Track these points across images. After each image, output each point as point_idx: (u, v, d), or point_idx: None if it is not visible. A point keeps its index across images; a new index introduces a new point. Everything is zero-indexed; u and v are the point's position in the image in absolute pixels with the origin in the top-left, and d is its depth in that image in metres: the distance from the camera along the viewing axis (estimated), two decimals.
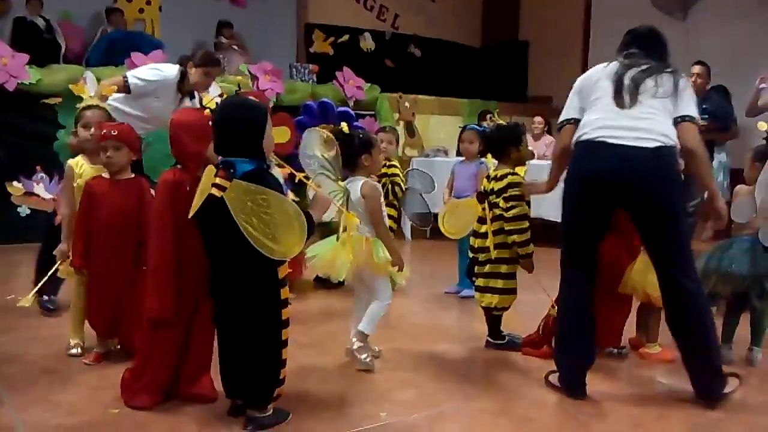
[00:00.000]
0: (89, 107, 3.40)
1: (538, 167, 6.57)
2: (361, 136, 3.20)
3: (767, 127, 3.46)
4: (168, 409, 2.58)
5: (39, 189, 6.01)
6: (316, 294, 4.54)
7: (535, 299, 3.43)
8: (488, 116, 7.36)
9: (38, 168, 6.01)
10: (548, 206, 6.24)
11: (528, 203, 3.33)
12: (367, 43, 9.68)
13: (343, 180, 3.19)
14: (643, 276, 3.19)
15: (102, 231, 3.00)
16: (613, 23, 9.08)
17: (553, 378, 2.91)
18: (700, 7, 8.30)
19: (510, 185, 3.27)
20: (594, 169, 2.73)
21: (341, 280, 3.18)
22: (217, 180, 2.23)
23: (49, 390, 2.75)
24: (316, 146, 3.26)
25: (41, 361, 3.07)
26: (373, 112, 7.98)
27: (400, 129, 7.77)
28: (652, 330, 3.36)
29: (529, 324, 3.45)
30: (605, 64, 2.94)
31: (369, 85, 8.01)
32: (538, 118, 7.63)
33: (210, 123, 2.41)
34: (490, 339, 3.45)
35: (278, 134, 3.33)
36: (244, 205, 2.21)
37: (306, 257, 3.06)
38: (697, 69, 5.96)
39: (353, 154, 3.12)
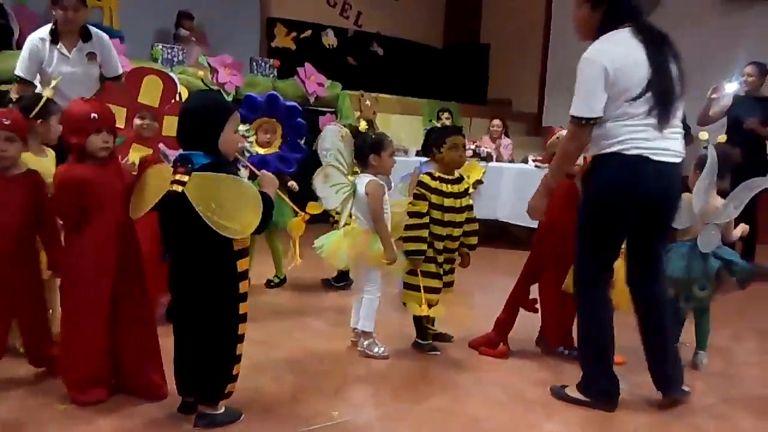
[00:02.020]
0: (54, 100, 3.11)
1: (496, 169, 6.68)
2: (372, 136, 3.44)
3: (708, 136, 3.56)
4: (116, 406, 2.54)
5: None
6: (268, 291, 4.51)
7: (490, 299, 3.46)
8: (443, 114, 7.42)
9: None
10: (506, 208, 6.35)
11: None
12: (330, 39, 9.64)
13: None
14: None
15: None
16: (572, 28, 9.23)
17: (572, 391, 2.86)
18: (659, 14, 8.44)
19: (418, 182, 3.35)
20: (652, 187, 2.65)
21: (343, 283, 3.52)
22: (177, 176, 2.27)
23: None
24: (334, 140, 3.42)
25: None
26: (334, 110, 7.95)
27: (361, 127, 7.77)
28: None
29: (485, 324, 3.49)
30: (628, 32, 2.63)
31: (330, 82, 7.98)
32: (496, 121, 7.71)
33: (93, 114, 2.50)
34: (416, 339, 3.47)
35: (171, 125, 2.94)
36: (203, 193, 2.24)
37: (313, 246, 3.35)
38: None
39: (363, 152, 3.33)
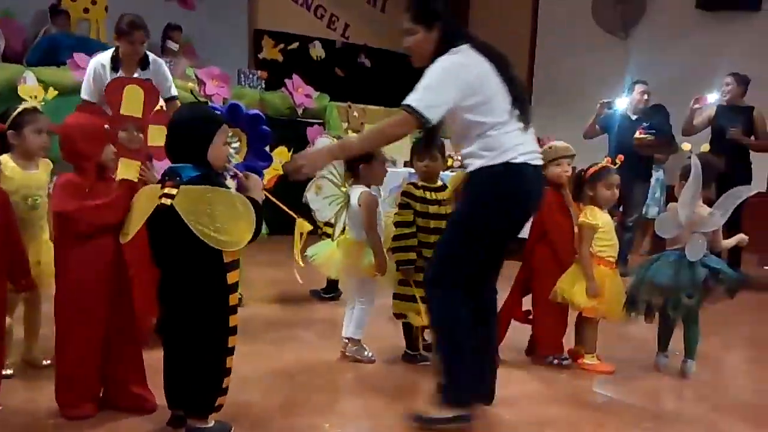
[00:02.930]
0: (35, 110, 2.97)
1: None
2: None
3: (690, 147, 3.61)
4: (104, 420, 2.51)
5: None
6: (258, 304, 4.49)
7: None
8: None
9: None
10: None
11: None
12: (317, 51, 9.67)
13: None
14: (570, 285, 3.31)
15: None
16: (558, 41, 9.36)
17: (436, 411, 2.61)
18: (641, 27, 8.58)
19: (402, 192, 3.35)
20: (536, 192, 2.71)
21: (331, 295, 3.60)
22: (166, 190, 2.27)
23: None
24: None
25: None
26: (321, 121, 7.96)
27: None
28: (590, 341, 3.44)
29: None
30: (468, 47, 2.59)
31: (318, 93, 7.99)
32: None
33: (106, 126, 2.58)
34: (405, 350, 3.45)
35: (156, 134, 2.89)
36: (192, 206, 2.24)
37: (305, 255, 3.39)
38: (642, 88, 6.18)
39: (352, 162, 3.31)
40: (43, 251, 2.84)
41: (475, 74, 2.53)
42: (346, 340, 3.38)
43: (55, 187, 2.58)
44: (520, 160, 2.54)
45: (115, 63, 4.13)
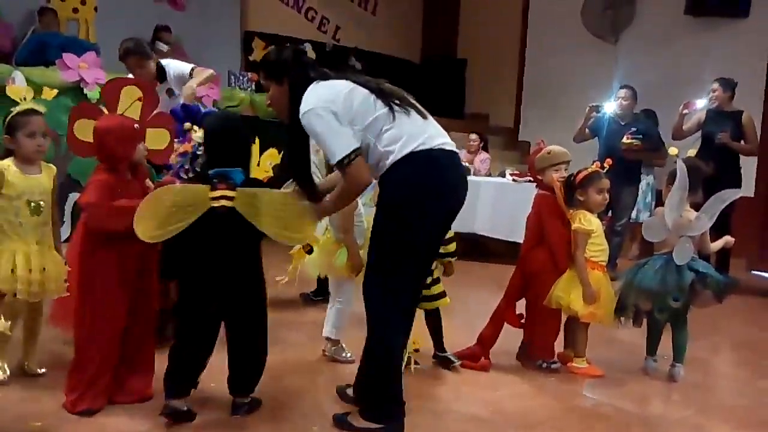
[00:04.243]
0: (32, 112, 2.81)
1: (473, 183, 6.69)
2: None
3: (677, 152, 3.63)
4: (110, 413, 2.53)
5: None
6: None
7: (468, 311, 3.46)
8: None
9: None
10: (484, 222, 6.38)
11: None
12: (308, 53, 9.65)
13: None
14: (566, 292, 3.31)
15: None
16: (548, 45, 9.39)
17: (357, 420, 2.58)
18: (631, 32, 8.63)
19: None
20: (455, 179, 2.57)
21: (321, 297, 3.63)
22: (219, 192, 2.39)
23: None
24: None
25: None
26: None
27: None
28: (579, 345, 3.45)
29: (463, 336, 3.49)
30: (317, 82, 2.54)
31: None
32: (473, 135, 7.76)
33: (136, 125, 2.64)
34: None
35: (155, 137, 2.90)
36: (255, 209, 2.42)
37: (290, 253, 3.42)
38: (622, 93, 6.18)
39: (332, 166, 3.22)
40: (48, 258, 2.75)
41: (334, 95, 2.46)
42: (326, 340, 3.39)
43: (89, 184, 2.60)
44: (426, 147, 2.45)
45: None
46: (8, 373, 2.82)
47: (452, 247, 3.34)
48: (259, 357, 2.64)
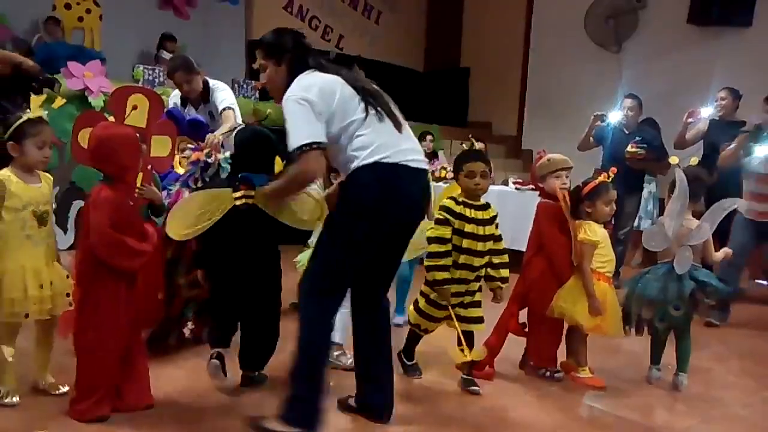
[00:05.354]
0: (42, 121, 2.75)
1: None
2: None
3: (678, 160, 3.63)
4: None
5: None
6: None
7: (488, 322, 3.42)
8: (428, 137, 7.46)
9: None
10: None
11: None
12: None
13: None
14: (571, 303, 3.29)
15: None
16: (551, 53, 9.42)
17: (272, 423, 2.50)
18: (634, 41, 8.65)
19: (440, 208, 3.16)
20: (411, 196, 2.59)
21: None
22: (241, 192, 2.77)
23: None
24: None
25: None
26: None
27: None
28: (581, 355, 3.44)
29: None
30: (314, 71, 2.59)
31: None
32: (478, 143, 7.77)
33: (137, 135, 2.72)
34: (401, 352, 3.39)
35: (159, 145, 2.99)
36: (271, 204, 2.75)
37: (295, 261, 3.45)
38: (628, 102, 6.18)
39: (329, 172, 3.21)
40: (55, 272, 2.72)
41: (319, 88, 2.48)
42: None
43: (94, 201, 2.55)
44: (391, 160, 2.48)
45: (183, 100, 4.45)
46: (17, 398, 2.69)
47: (505, 272, 3.22)
48: (272, 338, 2.99)
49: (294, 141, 2.43)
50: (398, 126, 2.58)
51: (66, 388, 2.77)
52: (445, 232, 3.09)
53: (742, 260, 4.83)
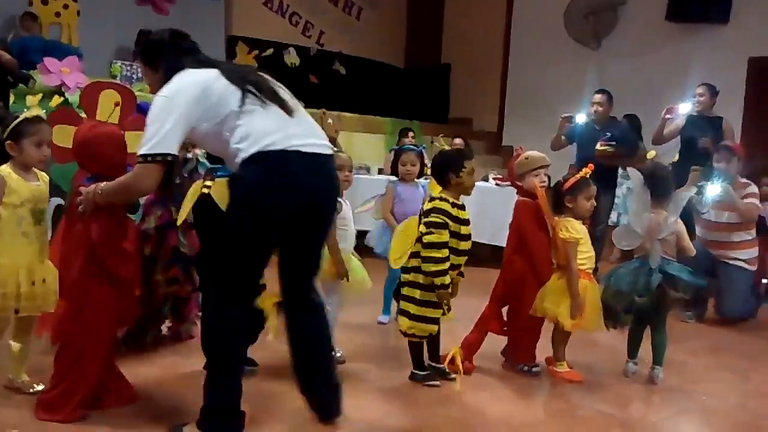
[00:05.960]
0: (40, 120, 2.73)
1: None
2: None
3: (654, 154, 3.67)
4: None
5: None
6: None
7: (459, 315, 3.43)
8: (409, 134, 7.47)
9: None
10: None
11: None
12: (292, 57, 9.66)
13: None
14: (555, 305, 3.30)
15: None
16: (531, 50, 9.46)
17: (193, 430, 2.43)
18: (613, 38, 8.71)
19: (433, 210, 3.06)
20: (307, 183, 2.37)
21: None
22: (206, 183, 2.66)
23: None
24: None
25: None
26: None
27: None
28: (559, 349, 3.46)
29: (445, 339, 3.49)
30: (187, 69, 2.40)
31: None
32: (458, 140, 7.75)
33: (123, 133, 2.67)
34: (413, 370, 3.27)
35: (133, 141, 2.82)
36: (224, 195, 2.51)
37: None
38: (597, 98, 6.20)
39: None
40: (47, 270, 2.71)
41: (188, 85, 2.34)
42: None
43: (98, 215, 2.54)
44: (276, 147, 2.30)
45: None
46: None
47: (444, 279, 3.04)
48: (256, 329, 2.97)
49: (144, 144, 2.30)
50: (287, 110, 2.40)
51: (41, 387, 2.73)
52: (446, 236, 3.03)
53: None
